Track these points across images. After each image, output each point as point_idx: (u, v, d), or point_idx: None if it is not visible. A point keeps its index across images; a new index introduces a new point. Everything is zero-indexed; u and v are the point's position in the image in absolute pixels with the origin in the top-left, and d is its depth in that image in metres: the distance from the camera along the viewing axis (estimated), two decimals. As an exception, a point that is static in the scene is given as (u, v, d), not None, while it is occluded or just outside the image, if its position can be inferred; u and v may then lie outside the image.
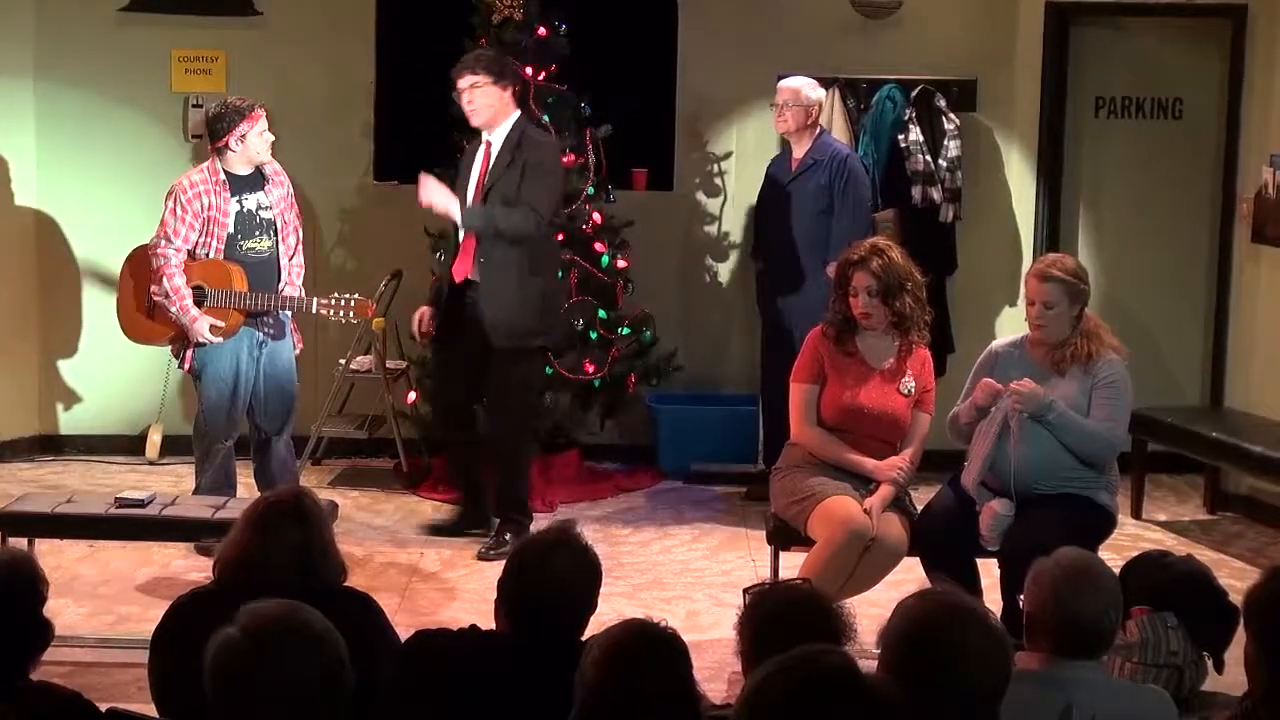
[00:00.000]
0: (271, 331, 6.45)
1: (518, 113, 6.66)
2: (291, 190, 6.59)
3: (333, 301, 6.36)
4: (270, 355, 6.48)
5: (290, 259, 6.52)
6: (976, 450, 5.29)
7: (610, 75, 7.89)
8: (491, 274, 6.53)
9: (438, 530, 6.92)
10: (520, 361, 6.65)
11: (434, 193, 6.51)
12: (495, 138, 6.61)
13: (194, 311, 6.30)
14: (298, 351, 6.71)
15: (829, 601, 3.29)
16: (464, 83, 6.55)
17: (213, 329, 6.31)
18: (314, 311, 6.37)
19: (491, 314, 6.53)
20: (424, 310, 6.82)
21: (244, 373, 6.43)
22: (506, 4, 7.49)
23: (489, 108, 6.54)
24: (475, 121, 6.59)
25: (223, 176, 6.38)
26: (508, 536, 6.61)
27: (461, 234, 6.60)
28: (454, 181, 6.75)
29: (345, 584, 3.76)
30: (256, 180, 6.46)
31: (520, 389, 6.73)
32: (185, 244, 6.33)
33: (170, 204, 6.36)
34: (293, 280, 6.50)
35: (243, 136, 6.36)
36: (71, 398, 8.31)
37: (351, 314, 6.39)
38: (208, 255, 6.35)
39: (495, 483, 6.84)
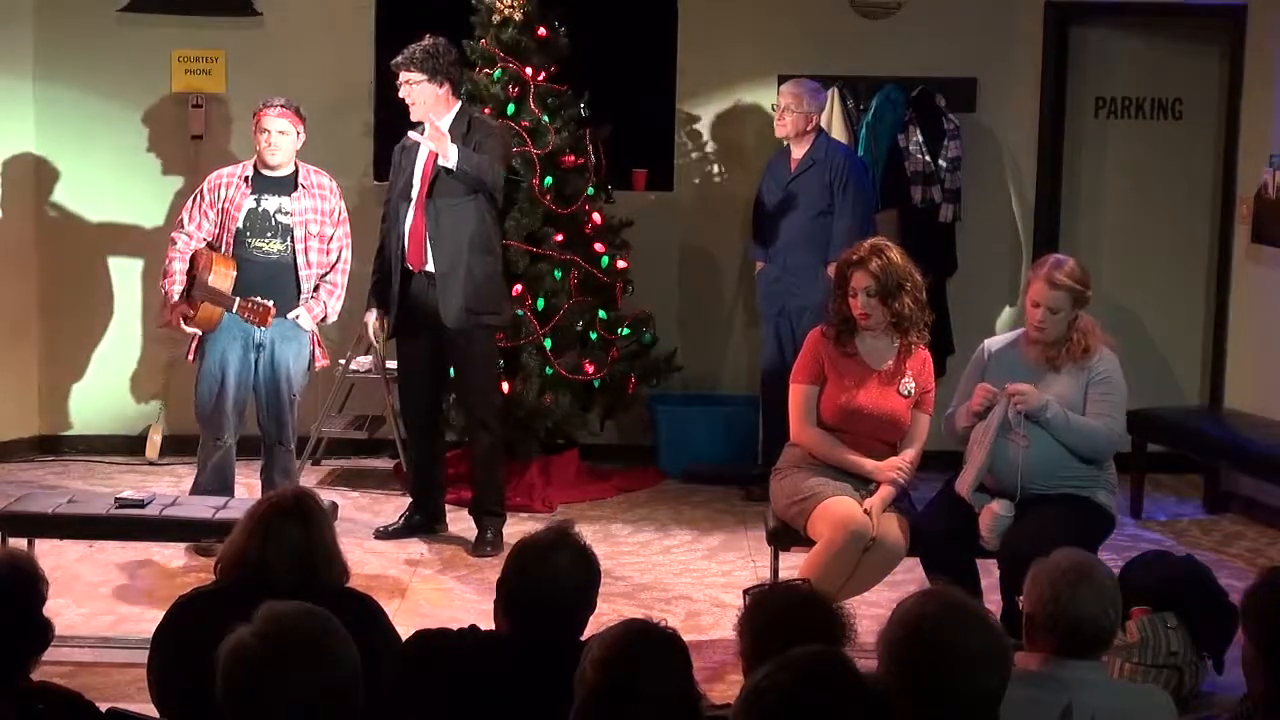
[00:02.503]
0: (272, 335, 6.43)
1: (459, 103, 6.73)
2: (336, 208, 6.61)
3: (246, 304, 6.31)
4: (270, 359, 6.48)
5: (325, 274, 6.56)
6: (973, 457, 5.28)
7: (610, 75, 7.90)
8: (444, 258, 6.60)
9: (386, 535, 6.87)
10: (478, 339, 6.73)
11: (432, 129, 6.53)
12: (440, 127, 6.64)
13: (174, 298, 6.45)
14: (320, 365, 6.73)
15: (830, 602, 3.29)
16: (401, 78, 6.62)
17: (186, 319, 6.40)
18: (234, 311, 6.32)
19: (446, 297, 6.60)
20: (371, 314, 6.86)
21: (233, 371, 6.45)
22: (506, 4, 7.50)
23: (424, 104, 6.59)
24: (414, 116, 6.65)
25: (249, 173, 6.52)
26: (489, 534, 6.75)
27: (408, 224, 6.64)
28: (394, 171, 6.82)
29: (346, 585, 3.76)
30: (286, 184, 6.52)
31: (485, 366, 6.83)
32: (198, 230, 6.50)
33: (194, 194, 6.62)
34: (319, 295, 6.53)
35: (254, 128, 6.56)
36: (72, 398, 8.30)
37: (254, 318, 6.32)
38: (220, 248, 6.45)
39: (473, 478, 6.90)
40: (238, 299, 6.28)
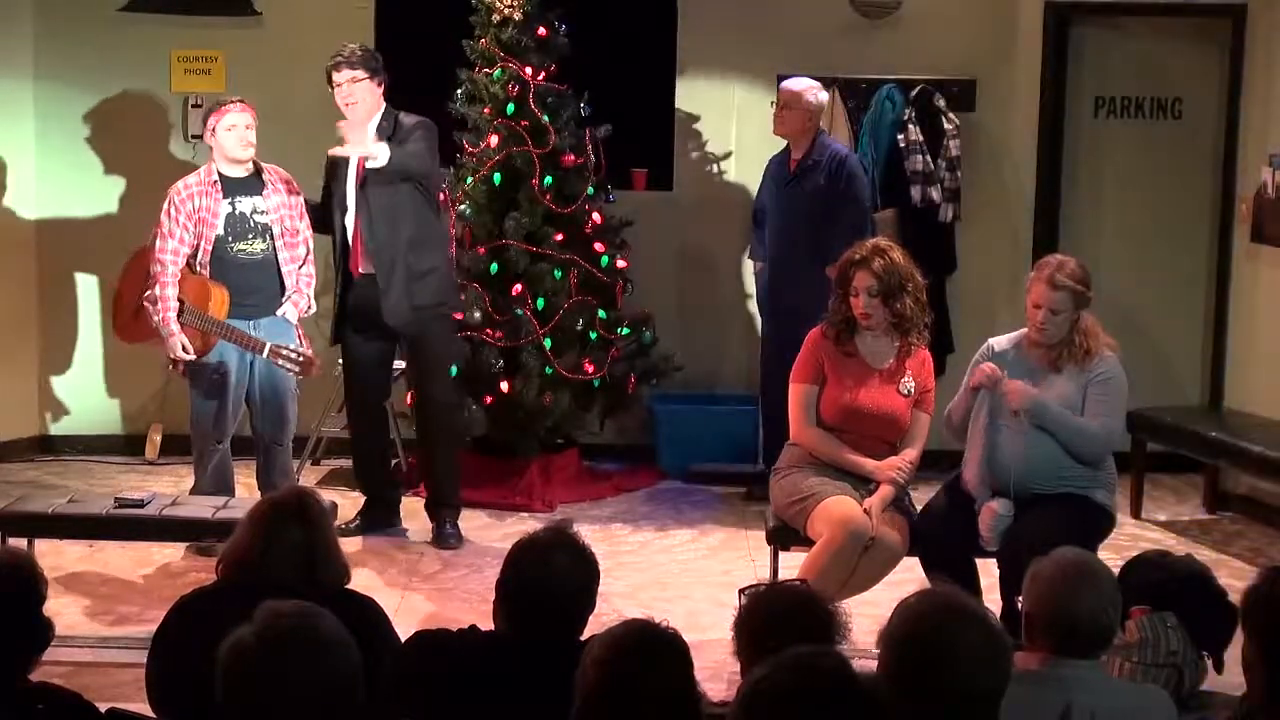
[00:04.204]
0: (266, 334, 6.42)
1: (385, 105, 6.76)
2: (300, 201, 6.61)
3: (284, 352, 6.31)
4: (265, 361, 6.47)
5: (300, 267, 6.56)
6: (972, 444, 5.30)
7: (610, 75, 7.90)
8: (383, 262, 6.66)
9: (344, 533, 6.81)
10: (429, 332, 6.79)
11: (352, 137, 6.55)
12: (369, 130, 6.68)
13: (173, 326, 6.36)
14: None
15: (824, 601, 3.30)
16: (342, 77, 6.66)
17: (184, 349, 6.36)
18: (264, 356, 6.31)
19: (388, 297, 6.65)
20: None
21: (232, 375, 6.43)
22: (506, 4, 7.50)
23: (364, 102, 6.66)
24: (355, 116, 6.67)
25: (216, 177, 6.47)
26: (448, 527, 6.84)
27: (350, 229, 6.71)
28: (329, 181, 6.86)
29: (346, 586, 3.77)
30: (253, 184, 6.49)
31: (438, 359, 6.90)
32: (181, 244, 6.40)
33: (165, 205, 6.45)
34: (300, 289, 6.54)
35: (212, 131, 6.48)
36: (71, 398, 8.31)
37: (297, 369, 6.34)
38: (198, 258, 6.40)
39: (432, 471, 6.95)
40: (269, 345, 6.28)
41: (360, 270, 6.74)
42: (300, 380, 6.62)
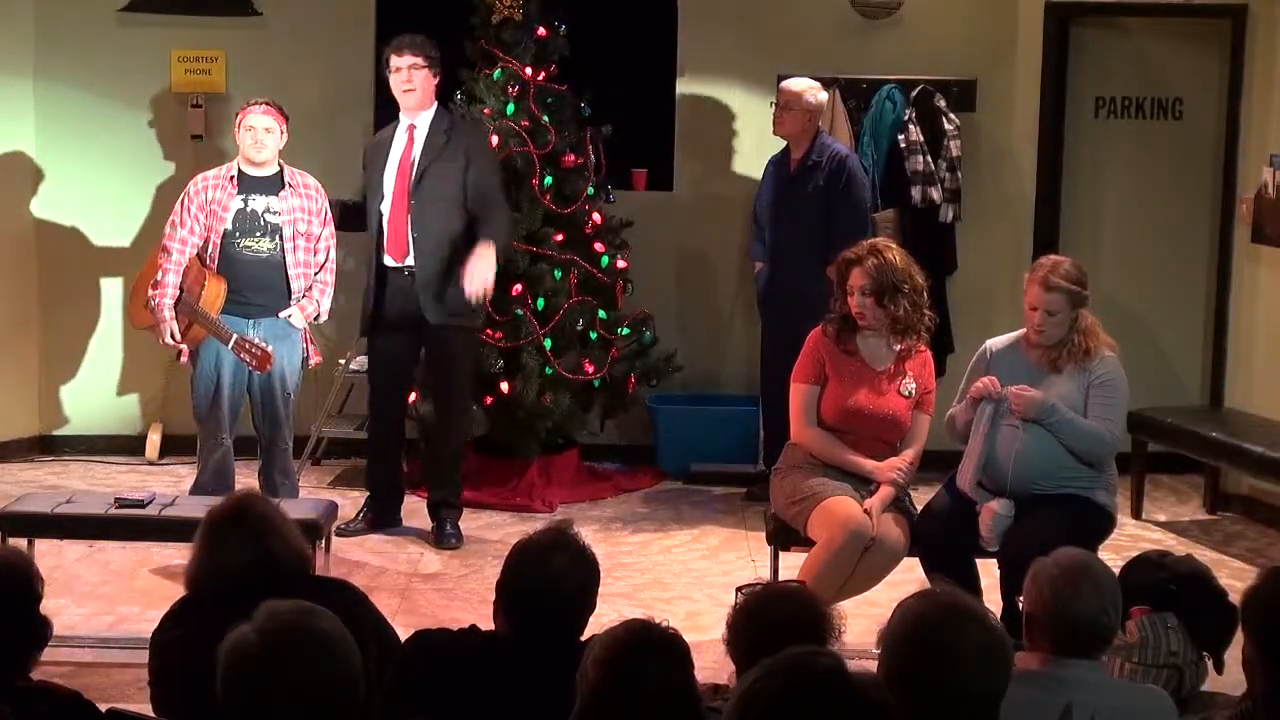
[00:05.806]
0: (265, 335, 6.43)
1: (436, 103, 6.84)
2: (323, 208, 6.62)
3: (246, 345, 6.31)
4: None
5: (316, 273, 6.58)
6: (970, 451, 5.30)
7: (610, 75, 7.90)
8: (429, 256, 6.69)
9: (345, 532, 6.83)
10: (457, 337, 6.82)
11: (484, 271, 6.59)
12: (420, 122, 6.78)
13: (166, 313, 6.42)
14: (313, 364, 6.74)
15: (818, 602, 3.30)
16: (404, 61, 6.73)
17: (172, 335, 6.43)
18: (229, 348, 6.34)
19: (426, 293, 6.69)
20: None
21: (228, 371, 6.45)
22: (506, 4, 7.51)
23: (420, 90, 6.73)
24: (408, 102, 6.75)
25: (234, 174, 6.53)
26: (449, 527, 6.85)
27: (386, 215, 6.74)
28: (369, 169, 6.92)
29: (311, 571, 3.78)
30: (273, 184, 6.53)
31: (464, 364, 6.93)
32: (191, 234, 6.48)
33: (181, 196, 6.57)
34: (312, 295, 6.55)
35: (236, 128, 6.57)
36: (71, 398, 8.30)
37: (253, 363, 6.35)
38: (208, 251, 6.45)
39: (437, 471, 6.97)
40: (235, 336, 6.30)
41: (396, 260, 6.75)
42: (300, 382, 6.64)
